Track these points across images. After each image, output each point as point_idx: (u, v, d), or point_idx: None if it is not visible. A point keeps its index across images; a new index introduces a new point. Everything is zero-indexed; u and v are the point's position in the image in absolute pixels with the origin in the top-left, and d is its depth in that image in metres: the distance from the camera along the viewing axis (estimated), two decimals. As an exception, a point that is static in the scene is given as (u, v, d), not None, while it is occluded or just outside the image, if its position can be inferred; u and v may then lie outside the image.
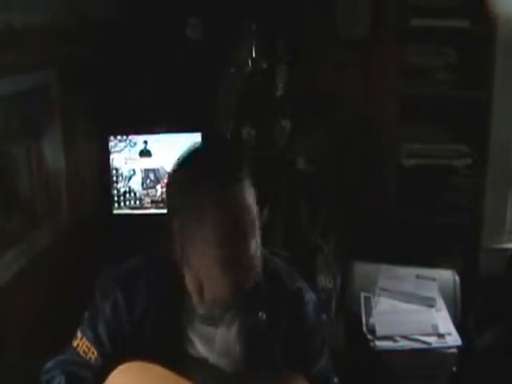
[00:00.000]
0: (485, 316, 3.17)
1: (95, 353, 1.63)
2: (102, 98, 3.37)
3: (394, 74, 3.59)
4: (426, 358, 2.65)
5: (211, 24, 3.51)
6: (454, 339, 2.66)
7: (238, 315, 1.65)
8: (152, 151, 3.39)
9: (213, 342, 1.65)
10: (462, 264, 3.36)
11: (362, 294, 2.92)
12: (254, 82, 3.43)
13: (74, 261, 3.01)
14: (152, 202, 3.42)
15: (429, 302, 2.85)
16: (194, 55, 3.54)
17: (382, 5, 3.56)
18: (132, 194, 3.42)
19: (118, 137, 3.37)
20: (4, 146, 2.37)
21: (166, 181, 3.22)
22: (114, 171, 3.39)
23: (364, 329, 2.74)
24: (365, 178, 3.65)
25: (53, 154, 2.80)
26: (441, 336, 2.68)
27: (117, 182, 3.41)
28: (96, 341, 1.63)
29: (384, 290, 2.92)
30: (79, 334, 1.66)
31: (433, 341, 2.66)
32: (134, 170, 3.40)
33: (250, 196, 1.51)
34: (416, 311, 2.83)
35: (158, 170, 3.40)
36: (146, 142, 3.38)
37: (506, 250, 3.57)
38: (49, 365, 1.67)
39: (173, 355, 1.59)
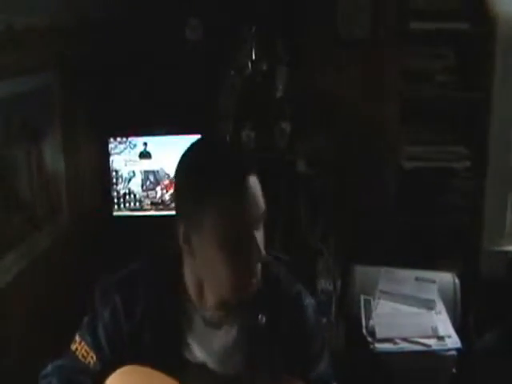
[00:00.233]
0: (484, 318, 3.18)
1: (94, 357, 1.62)
2: (101, 100, 3.37)
3: (393, 75, 3.59)
4: (425, 361, 2.65)
5: (211, 25, 3.51)
6: (453, 342, 2.66)
7: (238, 319, 1.64)
8: (152, 153, 3.39)
9: (212, 346, 1.64)
10: (462, 266, 3.36)
11: (362, 297, 2.92)
12: (254, 83, 3.43)
13: (74, 263, 3.01)
14: (152, 203, 3.42)
15: (429, 305, 2.85)
16: (193, 56, 3.54)
17: (381, 6, 3.56)
18: (132, 196, 3.42)
19: (118, 138, 3.37)
20: (4, 147, 2.37)
21: (170, 181, 3.29)
22: (114, 173, 3.39)
23: (364, 331, 2.74)
24: (365, 180, 3.65)
25: (53, 155, 2.80)
26: (440, 338, 2.67)
27: (117, 184, 3.41)
28: (95, 345, 1.62)
29: (384, 292, 2.92)
30: (78, 339, 1.66)
31: (432, 343, 2.66)
32: (133, 172, 3.41)
33: (259, 194, 1.51)
34: (416, 314, 2.83)
35: (157, 171, 3.40)
36: (145, 144, 3.38)
37: (506, 252, 3.57)
38: (47, 370, 1.66)
39: (172, 360, 1.59)
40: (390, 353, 2.64)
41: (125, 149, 3.38)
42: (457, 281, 2.97)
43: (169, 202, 3.39)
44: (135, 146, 3.39)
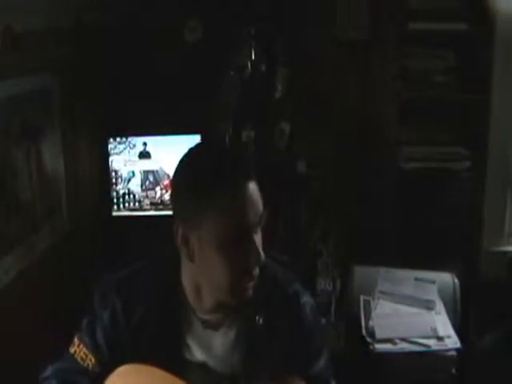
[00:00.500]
0: (484, 319, 3.17)
1: (93, 360, 1.62)
2: (101, 101, 3.38)
3: (393, 76, 3.59)
4: (425, 361, 2.64)
5: (210, 26, 3.51)
6: (453, 342, 2.65)
7: (236, 319, 1.65)
8: (151, 153, 3.40)
9: (211, 348, 1.64)
10: (462, 266, 3.36)
11: (362, 297, 2.91)
12: (254, 84, 3.43)
13: (74, 263, 3.01)
14: (151, 203, 3.43)
15: (428, 305, 2.85)
16: (193, 57, 3.54)
17: (380, 7, 3.56)
18: (131, 196, 3.42)
19: (118, 139, 3.38)
20: (3, 148, 2.37)
21: (170, 181, 3.29)
22: (114, 173, 3.40)
23: (363, 332, 2.73)
24: (364, 181, 3.65)
25: (52, 156, 2.80)
26: (440, 339, 2.67)
27: (116, 184, 3.41)
28: (94, 348, 1.63)
29: (383, 293, 2.91)
30: (77, 341, 1.66)
31: (432, 344, 2.65)
32: (133, 172, 3.41)
33: (258, 197, 1.52)
34: (415, 314, 2.82)
35: (157, 171, 3.40)
36: (145, 144, 3.39)
37: (506, 252, 3.57)
38: (46, 373, 1.66)
39: (171, 360, 1.58)
40: (389, 353, 2.64)
41: (124, 149, 3.38)
42: (456, 281, 2.96)
43: (168, 202, 3.39)
44: (134, 146, 3.39)
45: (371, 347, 2.66)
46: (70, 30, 2.90)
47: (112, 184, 3.41)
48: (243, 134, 3.42)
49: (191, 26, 3.53)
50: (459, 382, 2.66)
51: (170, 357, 1.60)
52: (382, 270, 2.99)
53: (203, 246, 1.50)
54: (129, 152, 3.39)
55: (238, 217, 1.48)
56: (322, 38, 3.59)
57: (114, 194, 3.42)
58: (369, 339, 2.68)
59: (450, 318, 2.80)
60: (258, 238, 1.53)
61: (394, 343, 2.66)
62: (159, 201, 3.42)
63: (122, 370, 1.57)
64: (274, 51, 3.46)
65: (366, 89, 3.65)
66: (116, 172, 3.40)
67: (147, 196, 3.43)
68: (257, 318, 1.63)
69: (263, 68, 3.43)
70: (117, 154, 3.38)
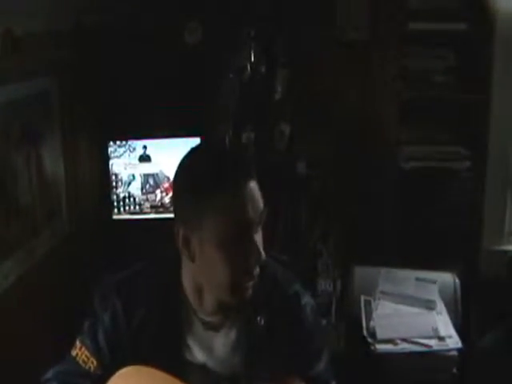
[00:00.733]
0: (485, 318, 3.17)
1: (94, 362, 1.62)
2: (101, 104, 3.38)
3: (392, 76, 3.59)
4: (426, 361, 2.64)
5: (210, 28, 3.52)
6: (454, 342, 2.66)
7: (237, 320, 1.65)
8: (151, 156, 3.40)
9: (212, 349, 1.65)
10: (462, 266, 3.36)
11: (362, 298, 2.91)
12: (253, 85, 3.43)
13: (74, 266, 3.01)
14: (151, 206, 3.43)
15: (429, 305, 2.85)
16: (193, 59, 3.54)
17: (380, 8, 3.56)
18: (131, 199, 3.42)
19: (118, 142, 3.38)
20: (4, 152, 2.38)
21: (170, 184, 3.29)
22: (114, 176, 3.40)
23: (364, 332, 2.73)
24: (364, 181, 3.65)
25: (52, 159, 2.80)
26: (441, 339, 2.67)
27: (116, 188, 3.41)
28: (95, 350, 1.63)
29: (384, 293, 2.92)
30: (78, 344, 1.66)
31: (433, 344, 2.65)
32: (133, 175, 3.41)
33: (258, 197, 1.52)
34: (416, 314, 2.83)
35: (157, 174, 3.40)
36: (145, 147, 3.39)
37: (506, 251, 3.57)
38: (47, 375, 1.66)
39: (172, 361, 1.59)
40: (390, 353, 2.64)
41: (124, 152, 3.38)
42: (457, 281, 2.96)
43: (169, 205, 3.39)
44: (135, 149, 3.39)
45: (372, 348, 2.66)
46: (69, 33, 2.90)
47: (112, 187, 3.41)
48: (243, 135, 3.43)
49: (191, 27, 3.53)
50: (460, 382, 2.66)
51: (170, 358, 1.60)
52: (383, 270, 3.00)
53: (204, 246, 1.51)
54: (129, 155, 3.39)
55: (239, 216, 1.48)
56: (322, 38, 3.59)
57: (115, 197, 3.41)
58: (370, 340, 2.69)
59: (451, 318, 2.81)
60: (258, 238, 1.53)
61: (395, 343, 2.67)
62: (159, 204, 3.42)
63: (123, 372, 1.57)
64: (274, 52, 3.46)
65: (366, 89, 3.65)
66: (116, 175, 3.40)
67: (147, 199, 3.43)
68: (257, 319, 1.63)
69: (263, 69, 3.43)
70: (117, 157, 3.38)
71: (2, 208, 2.35)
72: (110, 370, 1.58)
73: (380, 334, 2.69)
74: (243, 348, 1.64)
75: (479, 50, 3.52)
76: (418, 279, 2.96)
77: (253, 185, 1.51)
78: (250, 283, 1.55)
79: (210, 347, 1.65)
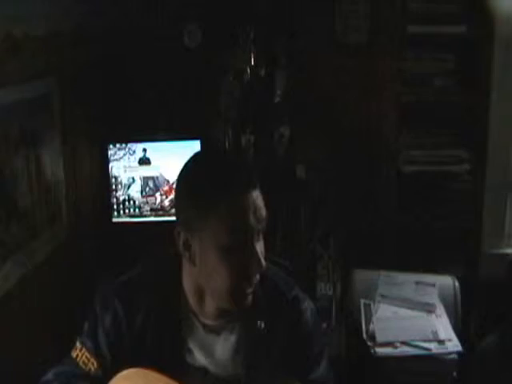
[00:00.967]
0: (485, 321, 3.17)
1: (95, 364, 1.62)
2: (100, 107, 3.38)
3: (392, 80, 3.59)
4: (426, 364, 2.64)
5: (209, 31, 3.52)
6: (454, 345, 2.66)
7: (238, 324, 1.65)
8: (151, 159, 3.39)
9: (212, 352, 1.65)
10: (462, 269, 3.36)
11: (362, 301, 2.91)
12: (253, 88, 3.43)
13: (74, 269, 3.01)
14: (151, 209, 3.42)
15: (429, 308, 2.85)
16: (192, 62, 3.54)
17: (380, 11, 3.57)
18: (131, 202, 3.42)
19: (117, 145, 3.37)
20: (3, 155, 2.37)
21: (170, 187, 3.30)
22: (113, 179, 3.40)
23: (364, 335, 2.73)
24: (364, 185, 3.65)
25: (52, 162, 2.80)
26: (441, 342, 2.67)
27: (116, 190, 3.41)
28: (96, 352, 1.63)
29: (384, 296, 2.92)
30: (79, 345, 1.66)
31: (433, 347, 2.65)
32: (133, 178, 3.41)
33: (261, 204, 1.52)
34: (416, 317, 2.83)
35: (157, 177, 3.40)
36: (145, 150, 3.39)
37: (506, 254, 3.57)
38: (48, 376, 1.66)
39: (173, 364, 1.59)
40: (390, 357, 2.64)
41: (124, 155, 3.38)
42: (457, 284, 2.96)
43: (168, 208, 3.39)
44: (134, 152, 3.39)
45: (372, 351, 2.66)
46: (70, 37, 2.90)
47: (112, 190, 3.40)
48: (243, 138, 3.43)
49: (190, 31, 3.53)
50: (460, 385, 2.66)
51: (171, 360, 1.61)
52: (383, 273, 3.00)
53: (205, 252, 1.51)
54: (128, 158, 3.38)
55: (241, 225, 1.48)
56: (322, 41, 3.59)
57: (114, 200, 3.41)
58: (369, 343, 2.69)
59: (451, 321, 2.81)
60: (259, 246, 1.53)
61: (395, 347, 2.67)
62: (159, 207, 3.42)
63: (123, 374, 1.57)
64: (273, 55, 3.47)
65: (366, 92, 3.64)
66: (116, 178, 3.40)
67: (147, 202, 3.43)
68: (258, 323, 1.63)
69: (262, 72, 3.43)
70: (116, 160, 3.38)
71: (1, 210, 2.35)
72: (110, 371, 1.58)
73: (380, 337, 2.69)
74: (244, 351, 1.65)
75: (479, 53, 3.52)
76: (417, 282, 2.96)
77: (256, 194, 1.51)
78: (250, 290, 1.55)
79: (210, 350, 1.65)
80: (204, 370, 1.65)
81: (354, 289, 3.02)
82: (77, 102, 3.09)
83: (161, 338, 1.61)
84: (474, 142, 3.60)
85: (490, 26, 3.44)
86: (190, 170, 1.57)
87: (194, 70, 3.54)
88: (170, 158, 3.31)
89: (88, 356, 1.63)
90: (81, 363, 1.63)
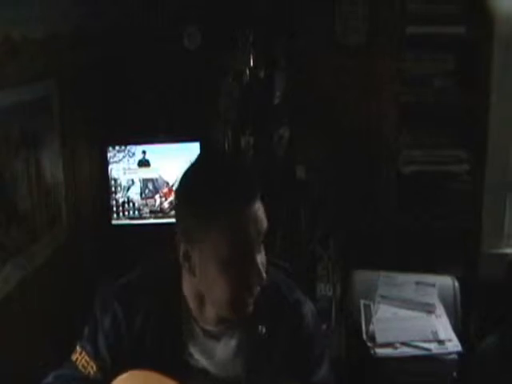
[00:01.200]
0: (485, 321, 3.17)
1: (94, 367, 1.62)
2: (100, 109, 3.38)
3: (392, 80, 3.59)
4: (426, 365, 2.64)
5: (209, 33, 3.52)
6: (454, 345, 2.65)
7: (238, 328, 1.65)
8: (150, 161, 3.40)
9: (213, 355, 1.65)
10: (462, 270, 3.36)
11: (362, 302, 2.91)
12: (252, 90, 3.43)
13: (74, 272, 3.01)
14: (151, 212, 3.43)
15: (429, 309, 2.85)
16: (191, 64, 3.54)
17: (379, 12, 3.57)
18: (131, 205, 3.42)
19: (117, 147, 3.37)
20: (3, 157, 2.37)
21: (169, 189, 3.30)
22: (113, 181, 3.40)
23: (364, 336, 2.73)
24: (364, 185, 3.65)
25: (51, 165, 2.80)
26: (441, 342, 2.67)
27: (115, 193, 3.41)
28: (95, 355, 1.63)
29: (384, 297, 2.92)
30: (78, 348, 1.66)
31: (433, 347, 2.65)
32: (132, 180, 3.41)
33: (262, 216, 1.51)
34: (416, 318, 2.82)
35: (156, 179, 3.40)
36: (144, 152, 3.39)
37: (505, 255, 3.57)
38: (48, 379, 1.66)
39: (173, 366, 1.58)
40: (390, 357, 2.64)
41: (123, 157, 3.38)
42: (456, 284, 2.96)
43: (168, 210, 3.39)
44: (134, 154, 3.39)
45: (372, 352, 2.66)
46: (69, 39, 2.90)
47: (111, 192, 3.40)
48: (242, 140, 3.43)
49: (190, 33, 3.53)
50: (460, 386, 2.66)
51: (171, 363, 1.60)
52: (382, 274, 3.00)
53: (205, 263, 1.50)
54: (128, 160, 3.38)
55: (241, 237, 1.47)
56: (321, 42, 3.60)
57: (114, 202, 3.41)
58: (369, 344, 2.68)
59: (451, 322, 2.81)
60: (260, 258, 1.52)
61: (395, 347, 2.66)
62: (159, 209, 3.42)
63: (123, 377, 1.57)
64: (273, 57, 3.47)
65: (365, 93, 3.65)
66: (115, 180, 3.40)
67: (147, 204, 3.43)
68: (259, 327, 1.63)
69: (262, 74, 3.43)
70: (116, 162, 3.38)
71: (1, 213, 2.35)
72: (109, 375, 1.58)
73: (380, 338, 2.69)
74: (244, 354, 1.65)
75: (478, 53, 3.52)
76: (417, 283, 2.96)
77: (257, 205, 1.49)
78: (251, 300, 1.55)
79: (211, 354, 1.65)
80: (205, 372, 1.65)
81: (353, 289, 3.02)
82: (76, 104, 3.09)
83: (161, 341, 1.61)
84: (473, 143, 3.60)
85: (489, 26, 3.44)
86: (190, 178, 1.55)
87: (194, 72, 3.55)
88: (170, 160, 3.31)
89: (87, 359, 1.63)
90: (80, 366, 1.63)
